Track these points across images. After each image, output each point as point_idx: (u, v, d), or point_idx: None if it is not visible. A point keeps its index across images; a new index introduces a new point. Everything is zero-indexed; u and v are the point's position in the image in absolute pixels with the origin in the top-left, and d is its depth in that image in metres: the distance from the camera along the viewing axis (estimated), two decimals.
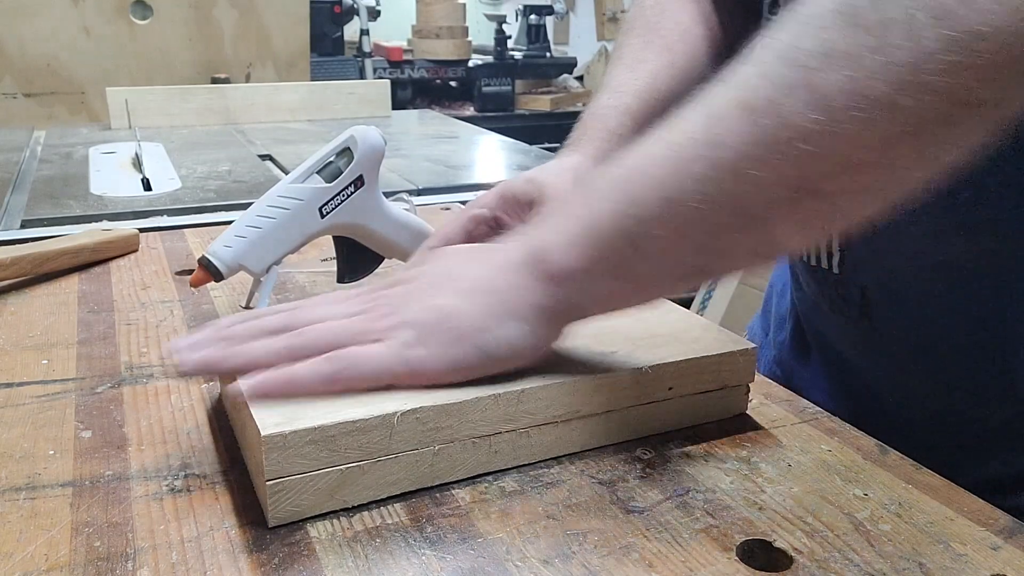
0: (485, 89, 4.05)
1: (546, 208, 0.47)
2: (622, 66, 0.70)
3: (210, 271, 0.61)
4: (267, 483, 0.38)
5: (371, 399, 0.42)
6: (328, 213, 0.64)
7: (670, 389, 0.47)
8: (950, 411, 0.56)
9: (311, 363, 0.42)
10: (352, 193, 0.65)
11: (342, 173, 0.64)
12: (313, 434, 0.39)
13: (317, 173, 0.64)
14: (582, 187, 0.44)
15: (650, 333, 0.51)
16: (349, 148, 0.64)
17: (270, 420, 0.39)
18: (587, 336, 0.50)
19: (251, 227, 0.62)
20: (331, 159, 0.64)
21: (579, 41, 4.98)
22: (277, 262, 0.64)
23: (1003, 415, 0.54)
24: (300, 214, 0.63)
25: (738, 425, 0.49)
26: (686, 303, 2.55)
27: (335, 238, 0.68)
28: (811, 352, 0.67)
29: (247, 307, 0.67)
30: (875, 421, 0.51)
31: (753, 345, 0.50)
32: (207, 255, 0.61)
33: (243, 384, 0.42)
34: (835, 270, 0.58)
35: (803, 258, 0.61)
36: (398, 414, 0.41)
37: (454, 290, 0.44)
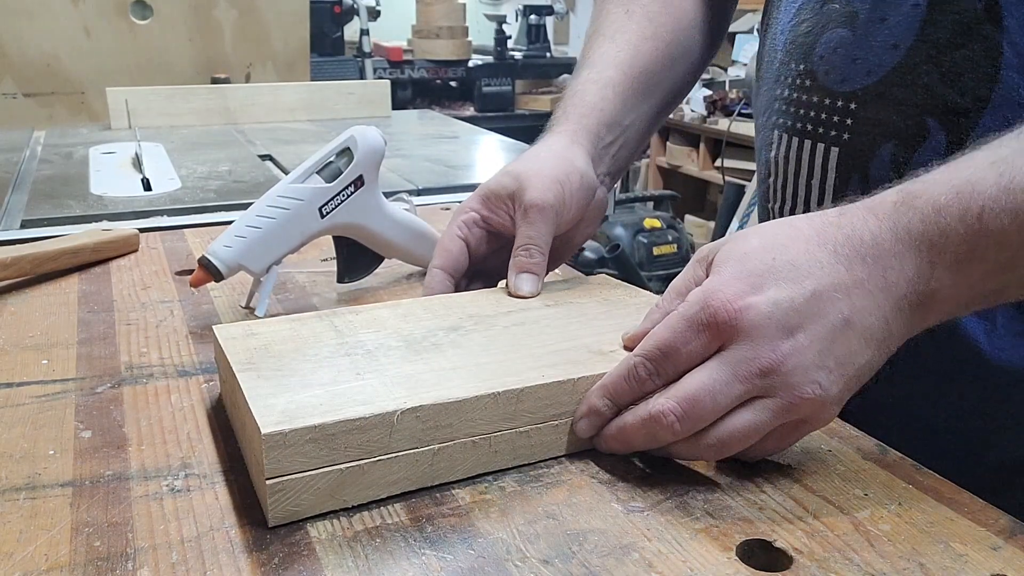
0: (485, 89, 4.05)
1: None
2: (602, 38, 0.68)
3: (210, 271, 0.61)
4: (267, 482, 0.38)
5: (371, 397, 0.42)
6: (328, 213, 0.64)
7: None
8: (947, 395, 0.56)
9: (687, 446, 0.42)
10: (352, 193, 0.65)
11: (342, 173, 0.64)
12: (313, 432, 0.39)
13: (317, 173, 0.64)
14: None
15: None
16: (349, 148, 0.64)
17: (270, 418, 0.39)
18: (587, 335, 0.50)
19: (251, 227, 0.62)
20: (331, 159, 0.64)
21: (579, 41, 4.97)
22: (277, 262, 0.64)
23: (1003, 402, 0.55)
24: (300, 214, 0.63)
25: None
26: None
27: (335, 238, 0.68)
28: None
29: (247, 307, 0.67)
30: (876, 413, 0.51)
31: None
32: (207, 255, 0.61)
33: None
34: None
35: None
36: (398, 412, 0.41)
37: (861, 338, 0.40)
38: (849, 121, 0.55)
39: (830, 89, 0.56)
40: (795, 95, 0.59)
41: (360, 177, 0.65)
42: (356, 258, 0.70)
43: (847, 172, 0.56)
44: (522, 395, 0.43)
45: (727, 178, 3.21)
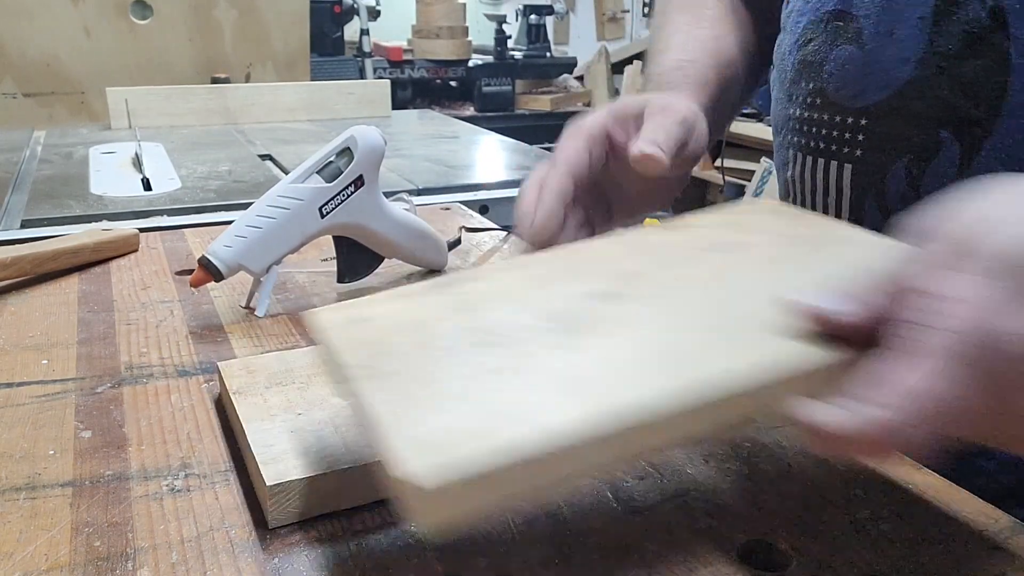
0: (485, 89, 4.05)
1: None
2: (677, 32, 0.65)
3: (210, 271, 0.61)
4: (267, 486, 0.38)
5: (532, 415, 0.30)
6: (328, 213, 0.64)
7: None
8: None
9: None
10: (352, 193, 0.65)
11: (342, 173, 0.64)
12: (480, 480, 0.28)
13: (317, 173, 0.64)
14: None
15: None
16: (349, 148, 0.65)
17: (422, 461, 0.28)
18: (782, 290, 0.37)
19: (251, 227, 0.62)
20: (331, 159, 0.64)
21: (579, 41, 4.99)
22: (277, 262, 0.64)
23: None
24: (300, 214, 0.63)
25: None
26: None
27: (335, 238, 0.68)
28: None
29: (247, 307, 0.67)
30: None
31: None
32: (207, 255, 0.61)
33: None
34: None
35: None
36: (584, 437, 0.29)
37: None
38: (861, 137, 0.55)
39: (842, 106, 0.55)
40: (807, 114, 0.59)
41: (360, 177, 0.65)
42: (356, 258, 0.70)
43: (862, 189, 0.55)
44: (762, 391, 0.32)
45: (727, 178, 3.21)
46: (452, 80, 4.18)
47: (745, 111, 3.23)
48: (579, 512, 0.40)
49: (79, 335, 0.62)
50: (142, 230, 0.87)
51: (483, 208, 1.18)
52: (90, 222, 0.97)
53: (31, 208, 1.04)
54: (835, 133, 0.56)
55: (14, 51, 1.99)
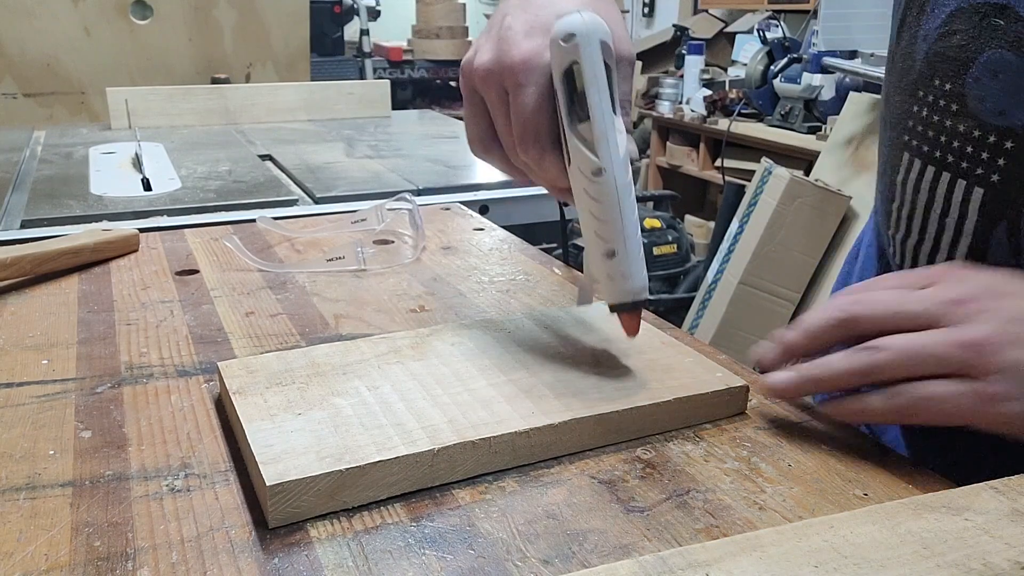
0: None
1: None
2: None
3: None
4: (267, 486, 0.38)
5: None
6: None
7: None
8: None
9: (882, 399, 0.43)
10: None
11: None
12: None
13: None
14: None
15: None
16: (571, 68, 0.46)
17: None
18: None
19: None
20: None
21: None
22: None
23: None
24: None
25: (738, 425, 0.49)
26: (686, 302, 2.54)
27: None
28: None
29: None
30: (962, 466, 0.46)
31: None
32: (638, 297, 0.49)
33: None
34: None
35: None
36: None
37: None
38: (1002, 161, 0.47)
39: (983, 120, 0.48)
40: (936, 117, 0.51)
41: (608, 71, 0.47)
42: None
43: (994, 217, 0.49)
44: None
45: (727, 178, 3.21)
46: (452, 80, 4.19)
47: (744, 111, 3.23)
48: (579, 512, 0.40)
49: (79, 335, 0.62)
50: (142, 230, 0.87)
51: (483, 208, 1.18)
52: (90, 222, 0.97)
53: (31, 208, 1.05)
54: (969, 149, 0.49)
55: (14, 51, 1.99)
